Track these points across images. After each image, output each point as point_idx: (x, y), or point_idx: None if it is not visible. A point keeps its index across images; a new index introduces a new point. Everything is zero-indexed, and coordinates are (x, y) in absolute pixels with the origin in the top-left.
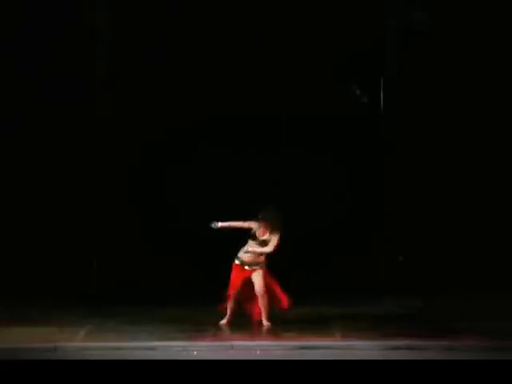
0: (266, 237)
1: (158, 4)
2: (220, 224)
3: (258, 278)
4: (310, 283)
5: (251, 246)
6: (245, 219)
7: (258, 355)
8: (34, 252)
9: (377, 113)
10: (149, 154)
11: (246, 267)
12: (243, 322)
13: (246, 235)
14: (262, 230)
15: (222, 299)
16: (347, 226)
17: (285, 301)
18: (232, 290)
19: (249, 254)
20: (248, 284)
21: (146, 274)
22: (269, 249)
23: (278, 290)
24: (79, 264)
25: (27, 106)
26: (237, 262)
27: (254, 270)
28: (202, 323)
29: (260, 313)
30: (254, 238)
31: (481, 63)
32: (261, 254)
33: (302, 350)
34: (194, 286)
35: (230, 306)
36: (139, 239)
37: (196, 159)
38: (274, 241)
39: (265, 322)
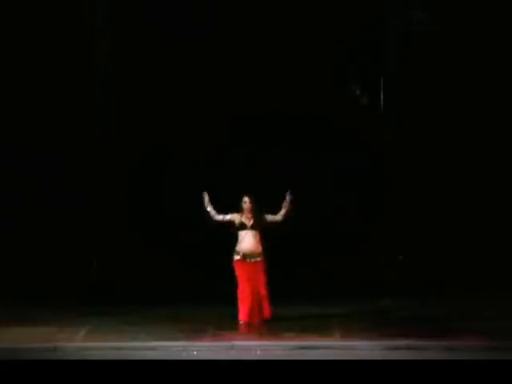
0: (252, 221)
1: (158, 4)
2: (206, 196)
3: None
4: (309, 283)
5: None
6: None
7: (258, 355)
8: (34, 252)
9: (377, 113)
10: (148, 155)
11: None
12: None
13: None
14: (246, 216)
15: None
16: (347, 225)
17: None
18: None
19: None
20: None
21: (145, 274)
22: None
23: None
24: (79, 264)
25: (26, 106)
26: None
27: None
28: (201, 323)
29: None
30: (243, 227)
31: (481, 62)
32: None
33: (301, 350)
34: (193, 285)
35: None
36: (139, 239)
37: (195, 160)
38: (270, 216)
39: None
